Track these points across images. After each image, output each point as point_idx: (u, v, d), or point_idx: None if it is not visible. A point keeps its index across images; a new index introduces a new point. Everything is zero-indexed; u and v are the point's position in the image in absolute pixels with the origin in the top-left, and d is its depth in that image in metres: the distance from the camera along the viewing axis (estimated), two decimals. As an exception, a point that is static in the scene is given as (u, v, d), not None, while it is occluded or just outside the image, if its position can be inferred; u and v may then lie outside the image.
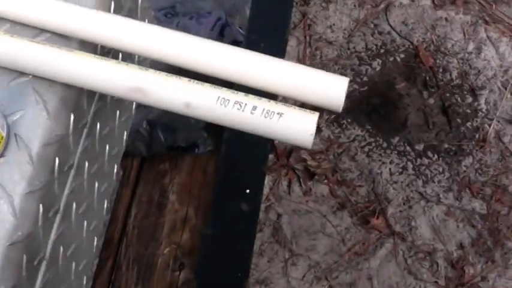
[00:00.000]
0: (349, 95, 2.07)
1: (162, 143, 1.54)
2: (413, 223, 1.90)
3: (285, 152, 1.98)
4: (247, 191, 1.03)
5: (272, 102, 0.64)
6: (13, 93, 0.68)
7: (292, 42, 2.16)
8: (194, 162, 1.54)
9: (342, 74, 2.10)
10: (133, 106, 0.97)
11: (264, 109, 0.63)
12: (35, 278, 0.68)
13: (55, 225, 0.71)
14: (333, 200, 1.93)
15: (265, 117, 0.63)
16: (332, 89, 0.65)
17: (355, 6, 2.27)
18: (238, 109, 0.63)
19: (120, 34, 0.70)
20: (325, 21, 2.23)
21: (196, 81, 0.65)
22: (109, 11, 0.78)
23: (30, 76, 0.69)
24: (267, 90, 0.67)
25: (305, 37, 2.19)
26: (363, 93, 2.09)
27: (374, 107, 2.08)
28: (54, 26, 0.72)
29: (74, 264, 0.80)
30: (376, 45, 2.19)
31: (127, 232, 1.47)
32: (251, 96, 0.64)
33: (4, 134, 0.64)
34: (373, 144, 2.02)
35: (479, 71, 2.17)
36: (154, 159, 1.57)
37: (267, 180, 1.92)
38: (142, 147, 1.56)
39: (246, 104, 0.63)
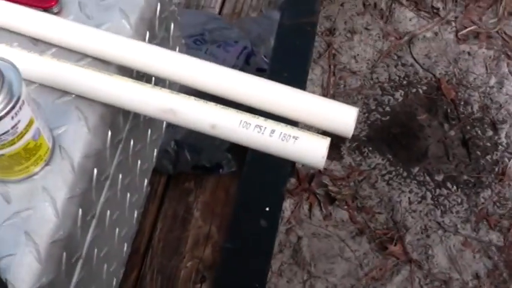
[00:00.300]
0: (371, 124, 2.12)
1: (188, 162, 1.61)
2: (430, 252, 1.92)
3: (307, 177, 2.02)
4: (267, 209, 1.10)
5: (289, 126, 0.72)
6: (58, 110, 0.76)
7: (317, 71, 2.22)
8: (218, 182, 1.60)
9: (364, 103, 2.16)
10: (164, 126, 1.05)
11: (281, 133, 0.71)
12: (72, 274, 0.76)
13: (91, 228, 0.79)
14: (352, 225, 1.96)
15: (282, 140, 0.71)
16: (343, 117, 0.73)
17: (379, 37, 2.31)
18: (258, 132, 0.71)
19: (153, 61, 0.79)
20: (350, 51, 2.29)
21: (221, 105, 0.73)
22: (144, 39, 0.87)
23: (74, 95, 0.77)
24: (284, 116, 0.74)
25: (329, 66, 2.24)
26: (384, 122, 2.13)
27: (395, 137, 2.11)
28: (95, 52, 0.80)
29: (105, 266, 0.88)
30: (399, 76, 2.23)
31: (152, 244, 1.54)
32: (270, 120, 0.72)
33: (50, 146, 0.72)
34: (394, 173, 2.05)
35: (500, 105, 2.19)
36: (180, 178, 1.63)
37: (289, 203, 1.96)
38: (169, 165, 1.62)
39: (265, 128, 0.71)
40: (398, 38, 2.32)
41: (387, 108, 2.17)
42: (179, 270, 1.50)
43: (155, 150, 1.04)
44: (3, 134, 0.65)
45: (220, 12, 2.04)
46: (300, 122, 0.76)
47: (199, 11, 1.97)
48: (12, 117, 0.64)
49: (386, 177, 2.05)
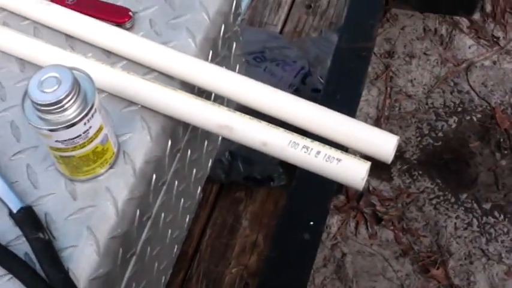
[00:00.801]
0: (423, 149, 2.15)
1: (241, 172, 1.67)
2: (472, 278, 1.93)
3: (356, 195, 2.05)
4: (311, 223, 1.15)
5: (333, 149, 0.78)
6: (124, 118, 0.83)
7: (373, 92, 2.25)
8: (268, 195, 1.66)
9: (418, 127, 2.19)
10: (220, 138, 1.12)
11: (326, 154, 0.77)
12: (126, 268, 0.83)
13: (146, 228, 0.86)
14: (397, 246, 1.98)
15: (326, 161, 0.77)
16: (383, 144, 0.78)
17: (437, 63, 2.34)
18: (305, 152, 0.77)
19: (213, 80, 0.85)
20: (407, 75, 2.32)
21: (273, 125, 0.79)
22: (207, 57, 0.94)
23: (139, 106, 0.84)
24: (330, 139, 0.81)
25: (386, 88, 2.27)
26: (436, 147, 2.15)
27: (446, 162, 2.13)
28: (161, 67, 0.87)
29: (156, 264, 0.95)
30: (454, 103, 2.25)
31: (200, 249, 1.60)
32: (316, 142, 0.78)
33: (115, 150, 0.80)
34: (442, 197, 2.07)
35: None
36: (232, 187, 1.70)
37: (336, 220, 2.00)
38: (222, 174, 1.69)
39: (312, 149, 0.77)
40: (456, 64, 2.34)
41: (440, 134, 2.18)
42: (224, 275, 1.56)
43: (210, 160, 1.10)
44: (76, 137, 0.72)
45: (282, 30, 2.11)
46: (345, 146, 0.82)
47: (261, 29, 2.04)
48: (85, 123, 0.72)
49: (434, 202, 2.07)
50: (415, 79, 2.31)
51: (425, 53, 2.37)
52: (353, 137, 0.79)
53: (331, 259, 1.94)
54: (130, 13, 0.91)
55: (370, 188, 2.08)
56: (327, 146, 0.78)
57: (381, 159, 0.79)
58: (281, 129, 0.79)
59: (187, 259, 1.60)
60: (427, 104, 2.25)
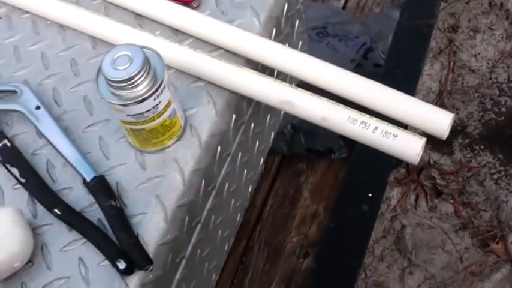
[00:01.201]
0: (485, 123, 2.14)
1: (302, 145, 1.70)
2: (532, 252, 1.93)
3: (417, 169, 2.07)
4: (370, 195, 1.18)
5: (390, 125, 0.80)
6: (191, 93, 0.88)
7: (436, 67, 2.25)
8: (329, 166, 1.69)
9: (480, 102, 2.18)
10: (282, 113, 1.16)
11: (383, 130, 0.80)
12: (191, 235, 0.88)
13: (211, 198, 0.90)
14: (457, 219, 1.99)
15: (383, 137, 0.80)
16: (439, 120, 0.81)
17: (502, 38, 2.31)
18: (363, 128, 0.80)
19: (277, 58, 0.89)
20: (471, 49, 2.30)
21: (332, 101, 0.83)
22: (271, 35, 0.97)
23: (206, 82, 0.88)
24: (388, 116, 0.83)
25: (449, 63, 2.26)
26: (499, 122, 2.14)
27: (508, 138, 2.12)
28: (227, 45, 0.91)
29: (220, 232, 1.00)
30: (519, 78, 2.24)
31: (262, 219, 1.65)
32: (374, 118, 0.81)
33: (183, 124, 0.84)
34: (503, 172, 2.06)
35: None
36: (293, 159, 1.73)
37: (396, 192, 2.02)
38: (284, 146, 1.72)
39: (369, 124, 0.80)
40: (522, 39, 2.31)
41: (503, 109, 2.17)
42: (285, 244, 1.60)
43: (272, 133, 1.14)
44: (146, 111, 0.77)
45: (344, 6, 2.12)
46: (402, 122, 0.85)
47: (323, 4, 2.05)
48: (155, 99, 0.76)
49: (495, 176, 2.06)
50: (479, 54, 2.29)
51: (490, 28, 2.34)
52: (410, 114, 0.82)
53: (390, 231, 1.97)
54: (196, -8, 0.95)
55: (431, 162, 2.09)
56: (384, 122, 0.81)
57: (436, 136, 0.82)
58: (340, 105, 0.82)
59: (250, 228, 1.64)
60: (490, 78, 2.23)
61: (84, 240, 0.79)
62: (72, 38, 0.96)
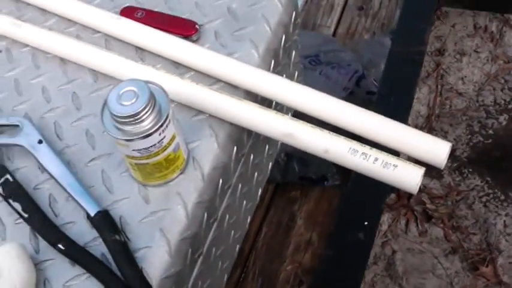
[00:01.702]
0: (473, 146, 2.15)
1: (296, 173, 1.70)
2: (521, 276, 1.93)
3: (407, 193, 2.08)
4: (366, 223, 1.19)
5: (389, 155, 0.82)
6: (194, 126, 0.88)
7: (424, 90, 2.26)
8: (322, 194, 1.69)
9: (468, 125, 2.19)
10: (279, 143, 1.16)
11: (383, 161, 0.81)
12: (194, 267, 0.88)
13: (212, 230, 0.91)
14: (446, 243, 1.99)
15: (383, 167, 0.81)
16: (437, 150, 0.82)
17: (487, 60, 2.32)
18: (363, 159, 0.81)
19: (274, 89, 0.90)
20: (458, 72, 2.31)
21: (333, 133, 0.84)
22: (269, 66, 0.98)
23: (207, 115, 0.89)
24: (384, 145, 0.85)
25: (437, 86, 2.26)
26: (486, 145, 2.14)
27: (496, 160, 2.12)
28: (227, 77, 0.92)
29: (220, 263, 1.00)
30: (505, 100, 2.24)
31: (256, 247, 1.65)
32: (374, 149, 0.82)
33: (185, 157, 0.85)
34: (491, 195, 2.06)
35: None
36: (287, 187, 1.73)
37: (387, 217, 2.01)
38: (278, 175, 1.72)
39: (370, 155, 0.81)
40: (506, 61, 2.32)
41: (490, 132, 2.18)
42: (279, 272, 1.60)
43: (270, 163, 1.15)
44: (151, 146, 0.78)
45: (335, 32, 2.13)
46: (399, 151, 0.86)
47: (315, 33, 2.07)
48: (160, 134, 0.77)
49: (484, 199, 2.07)
50: (465, 77, 2.30)
51: (475, 51, 2.37)
52: (407, 144, 0.84)
53: (381, 256, 1.96)
54: (196, 26, 0.96)
55: (421, 186, 2.09)
56: (384, 153, 0.82)
57: (434, 165, 0.83)
58: (341, 137, 0.83)
59: (244, 257, 1.64)
60: (477, 101, 2.24)
61: (88, 275, 0.79)
62: (73, 72, 0.97)
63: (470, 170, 2.11)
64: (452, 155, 2.12)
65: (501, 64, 2.32)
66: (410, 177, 0.80)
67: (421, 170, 0.81)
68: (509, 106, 2.22)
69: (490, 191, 2.08)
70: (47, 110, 0.94)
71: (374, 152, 0.82)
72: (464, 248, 1.98)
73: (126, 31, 0.97)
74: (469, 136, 2.18)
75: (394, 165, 0.81)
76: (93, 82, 0.95)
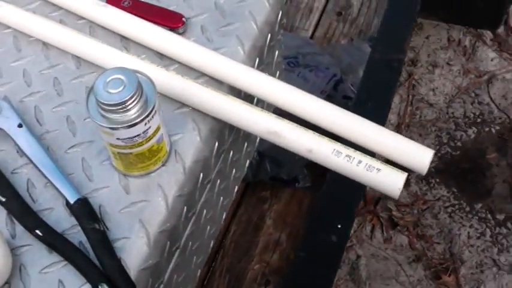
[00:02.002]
0: (441, 157, 2.17)
1: (268, 173, 1.70)
2: (482, 287, 1.95)
3: (373, 200, 2.09)
4: (339, 226, 1.20)
5: (373, 159, 0.82)
6: (177, 119, 0.88)
7: (395, 99, 2.26)
8: (292, 195, 1.69)
9: (437, 136, 2.22)
10: (257, 140, 1.16)
11: (366, 164, 0.81)
12: (170, 260, 0.87)
13: (190, 224, 0.90)
14: (411, 251, 2.00)
15: (367, 170, 0.81)
16: (420, 157, 0.83)
17: (459, 73, 2.35)
18: (347, 161, 0.81)
19: (257, 85, 0.90)
20: (429, 84, 2.33)
21: (318, 134, 0.84)
22: (254, 63, 0.98)
23: (190, 108, 0.89)
24: (367, 148, 0.85)
25: (408, 96, 2.28)
26: (454, 157, 2.17)
27: (463, 172, 2.14)
28: (211, 72, 0.92)
29: (195, 258, 1.00)
30: (474, 113, 2.26)
31: (225, 245, 1.64)
32: (358, 152, 0.82)
33: (168, 149, 0.84)
34: (457, 206, 2.08)
35: None
36: (258, 186, 1.73)
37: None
38: (249, 173, 1.72)
39: (354, 158, 0.81)
40: (478, 76, 2.35)
41: (458, 143, 2.20)
42: (247, 271, 1.60)
43: (248, 160, 1.15)
44: (135, 136, 0.77)
45: (312, 35, 2.14)
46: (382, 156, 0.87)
47: (294, 35, 2.07)
48: (145, 124, 0.76)
49: (449, 210, 2.09)
50: (437, 88, 2.32)
51: (448, 63, 2.39)
52: (391, 148, 0.84)
53: (345, 261, 1.97)
54: (183, 19, 0.96)
55: (396, 198, 2.10)
56: (368, 156, 0.82)
57: (416, 171, 0.84)
58: (326, 138, 0.83)
59: (212, 254, 1.63)
60: (447, 113, 2.27)
61: (65, 262, 0.78)
62: (55, 57, 0.95)
63: (438, 180, 2.13)
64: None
65: (472, 78, 2.35)
66: (392, 182, 0.81)
67: (403, 175, 0.81)
68: (478, 120, 2.25)
69: (456, 202, 2.10)
70: (27, 94, 0.92)
71: (358, 155, 0.82)
72: (427, 256, 2.00)
73: (112, 19, 0.96)
74: (438, 147, 2.20)
75: (377, 168, 0.81)
76: (76, 69, 0.94)
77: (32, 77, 0.94)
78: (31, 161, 0.85)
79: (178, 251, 0.89)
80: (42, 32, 0.96)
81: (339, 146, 0.82)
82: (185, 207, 0.85)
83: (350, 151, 0.82)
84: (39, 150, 0.85)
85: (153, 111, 0.76)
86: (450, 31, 2.47)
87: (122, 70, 0.75)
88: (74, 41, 0.94)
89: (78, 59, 0.95)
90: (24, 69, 0.95)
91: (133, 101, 0.74)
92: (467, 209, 2.08)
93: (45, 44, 0.97)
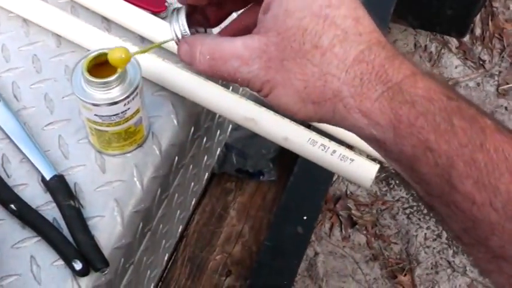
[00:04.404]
0: (402, 159, 2.22)
1: (233, 164, 1.71)
2: (436, 287, 2.01)
3: (334, 198, 2.13)
4: (305, 217, 1.22)
5: (347, 149, 0.84)
6: (156, 101, 0.88)
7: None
8: (257, 187, 1.71)
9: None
10: (229, 130, 1.17)
11: (340, 154, 0.83)
12: (141, 242, 0.88)
13: (162, 206, 0.91)
14: (368, 250, 2.05)
15: (341, 160, 0.83)
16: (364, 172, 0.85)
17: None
18: (322, 150, 0.83)
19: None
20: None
21: (294, 122, 0.85)
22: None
23: (169, 91, 0.89)
24: (340, 139, 0.87)
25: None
26: (414, 160, 2.22)
27: (422, 175, 2.20)
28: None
29: (164, 241, 1.01)
30: (437, 120, 2.32)
31: (187, 234, 1.65)
32: (333, 142, 0.84)
33: (146, 133, 0.85)
34: (415, 208, 2.13)
35: None
36: (223, 177, 1.74)
37: (312, 220, 2.07)
38: (215, 164, 1.73)
39: (328, 147, 0.83)
40: (440, 85, 2.41)
41: (418, 147, 2.24)
42: (208, 261, 1.61)
43: (219, 149, 1.16)
44: (114, 115, 0.77)
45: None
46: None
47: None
48: (125, 104, 0.76)
49: (408, 211, 2.14)
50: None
51: (413, 68, 2.43)
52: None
53: (303, 257, 2.00)
54: (166, 3, 0.96)
55: (348, 192, 2.14)
56: (342, 146, 0.84)
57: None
58: (301, 127, 0.85)
59: (174, 242, 1.63)
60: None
61: (38, 238, 0.78)
62: (35, 34, 0.95)
63: (397, 182, 2.17)
64: (380, 166, 2.16)
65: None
66: (365, 172, 0.83)
67: (376, 166, 0.83)
68: (441, 124, 2.28)
69: (414, 203, 2.14)
70: (5, 70, 0.92)
71: (333, 145, 0.83)
72: (384, 256, 2.04)
73: (94, 0, 0.96)
74: (399, 149, 2.23)
75: (351, 159, 0.83)
76: (56, 47, 0.94)
77: (11, 53, 0.94)
78: (7, 136, 0.85)
79: (149, 233, 0.89)
80: (22, 8, 0.95)
81: (314, 135, 0.84)
82: (159, 189, 0.86)
83: (325, 141, 0.83)
84: (16, 125, 0.85)
85: (135, 93, 0.76)
86: (417, 37, 2.51)
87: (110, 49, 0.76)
88: (55, 19, 0.94)
89: (58, 38, 0.95)
90: (3, 44, 0.94)
91: (117, 81, 0.74)
92: (425, 211, 2.12)
93: (25, 21, 0.96)
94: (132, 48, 0.89)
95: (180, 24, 0.64)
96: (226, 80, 0.60)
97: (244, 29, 0.64)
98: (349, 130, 0.57)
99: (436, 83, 0.54)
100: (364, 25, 0.56)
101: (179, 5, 0.67)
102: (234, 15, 0.72)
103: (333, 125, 0.58)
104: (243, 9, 0.69)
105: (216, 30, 0.73)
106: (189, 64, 0.63)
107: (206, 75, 0.60)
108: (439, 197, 0.53)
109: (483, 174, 0.50)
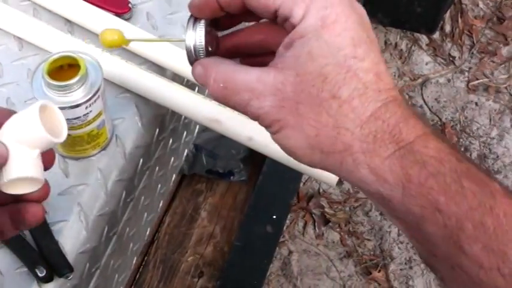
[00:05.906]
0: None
1: (203, 165, 1.71)
2: (410, 282, 2.01)
3: (306, 196, 2.12)
4: (274, 216, 1.21)
5: (313, 149, 0.84)
6: (119, 103, 0.88)
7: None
8: (228, 188, 1.70)
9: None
10: (196, 131, 1.17)
11: (305, 153, 0.83)
12: (108, 245, 0.87)
13: (128, 209, 0.91)
14: (342, 247, 2.05)
15: (305, 159, 0.82)
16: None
17: (394, 76, 2.40)
18: (286, 149, 0.83)
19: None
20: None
21: (259, 122, 0.85)
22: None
23: (133, 93, 0.88)
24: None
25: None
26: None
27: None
28: (155, 58, 0.92)
29: (131, 244, 1.00)
30: (407, 115, 2.33)
31: (159, 236, 1.64)
32: (298, 141, 0.84)
33: (109, 136, 0.84)
34: (388, 204, 2.15)
35: (497, 156, 2.28)
36: (193, 179, 1.74)
37: (285, 218, 2.06)
38: (185, 165, 1.72)
39: (293, 147, 0.83)
40: (412, 79, 2.41)
41: (391, 144, 2.25)
42: (180, 263, 1.61)
43: (186, 150, 1.15)
44: (75, 118, 0.77)
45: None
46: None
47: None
48: (86, 107, 0.76)
49: (380, 208, 2.14)
50: (372, 89, 2.36)
51: (383, 65, 2.43)
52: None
53: (277, 256, 1.98)
54: (129, 5, 0.95)
55: (321, 190, 2.14)
56: (308, 147, 0.84)
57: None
58: (266, 127, 0.84)
59: (146, 245, 1.63)
60: (381, 113, 2.30)
61: (1, 245, 0.77)
62: (-4, 38, 0.94)
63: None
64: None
65: (407, 81, 2.40)
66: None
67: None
68: (412, 120, 2.29)
69: (387, 200, 2.14)
70: (-35, 74, 0.91)
71: (297, 144, 0.83)
72: (358, 252, 2.04)
73: (57, 2, 0.95)
74: (371, 146, 2.23)
75: (316, 158, 0.82)
76: (18, 50, 0.93)
77: (-29, 57, 0.92)
78: (-32, 141, 0.83)
79: (115, 236, 0.89)
80: (-17, 12, 0.94)
81: (279, 136, 0.83)
82: (124, 192, 0.86)
83: (290, 141, 0.83)
84: (-23, 130, 0.84)
85: (96, 95, 0.76)
86: (387, 34, 2.51)
87: (71, 52, 0.75)
88: (16, 21, 0.93)
89: (20, 41, 0.93)
90: (-37, 48, 0.93)
91: (78, 84, 0.74)
92: (397, 208, 2.13)
93: (-14, 24, 0.95)
94: (94, 50, 0.88)
95: (197, 36, 0.60)
96: (238, 111, 0.59)
97: (251, 46, 0.63)
98: (354, 184, 0.56)
99: (445, 144, 0.53)
100: (385, 82, 0.55)
101: None
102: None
103: (337, 175, 0.57)
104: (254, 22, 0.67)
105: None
106: (202, 86, 0.62)
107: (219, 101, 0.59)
108: (444, 258, 0.52)
109: (492, 239, 0.49)
